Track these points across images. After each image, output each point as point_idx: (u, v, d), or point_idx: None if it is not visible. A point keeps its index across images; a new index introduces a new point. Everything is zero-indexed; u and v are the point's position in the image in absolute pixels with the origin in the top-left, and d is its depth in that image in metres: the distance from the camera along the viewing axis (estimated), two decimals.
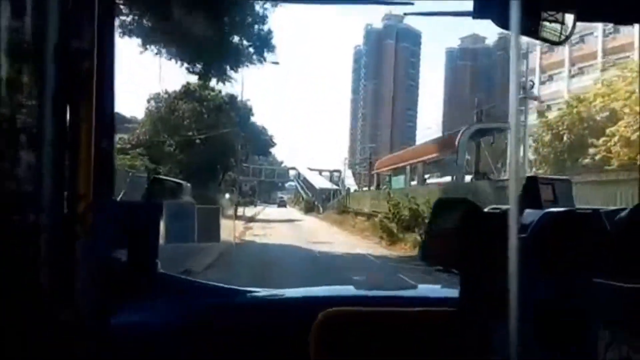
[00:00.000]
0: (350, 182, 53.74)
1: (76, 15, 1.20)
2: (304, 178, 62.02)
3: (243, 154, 43.61)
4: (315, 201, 51.72)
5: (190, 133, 35.76)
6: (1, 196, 1.31)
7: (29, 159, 1.33)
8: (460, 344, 1.40)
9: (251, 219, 32.48)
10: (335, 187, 54.09)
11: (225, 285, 1.61)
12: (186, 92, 37.24)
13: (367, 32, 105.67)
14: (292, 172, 68.89)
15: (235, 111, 40.66)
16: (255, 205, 49.98)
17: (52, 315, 1.17)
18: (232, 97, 40.57)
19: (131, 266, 1.33)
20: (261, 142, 46.67)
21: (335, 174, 60.24)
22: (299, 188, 63.47)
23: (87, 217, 1.34)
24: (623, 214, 1.17)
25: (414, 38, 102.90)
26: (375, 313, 1.47)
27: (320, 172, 60.64)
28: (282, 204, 63.28)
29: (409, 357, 1.43)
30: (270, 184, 66.23)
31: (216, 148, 36.79)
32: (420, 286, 2.09)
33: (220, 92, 38.61)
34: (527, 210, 1.30)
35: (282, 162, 70.56)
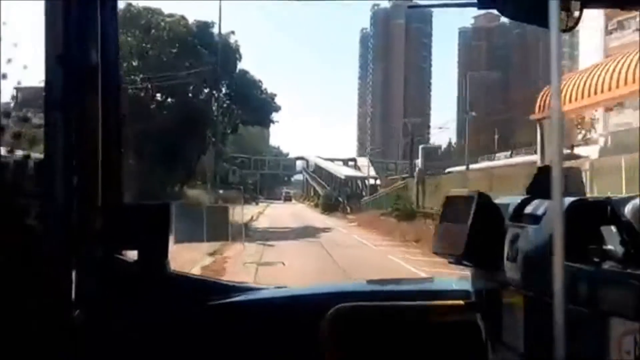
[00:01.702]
0: (368, 172, 45.46)
1: (80, 19, 1.28)
2: (317, 167, 54.17)
3: (227, 123, 30.24)
4: (339, 196, 41.06)
5: (134, 86, 22.89)
6: (11, 200, 1.40)
7: (37, 163, 1.42)
8: (473, 336, 1.48)
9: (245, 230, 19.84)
10: (365, 175, 44.66)
11: (237, 284, 1.69)
12: (126, 18, 23.48)
13: (374, 13, 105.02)
14: (299, 164, 62.47)
15: (209, 48, 25.97)
16: (257, 203, 43.23)
17: (61, 317, 1.25)
18: (203, 29, 26.77)
19: (141, 266, 1.42)
20: (255, 104, 30.40)
21: (350, 163, 54.01)
22: (309, 180, 56.00)
23: (96, 219, 1.43)
24: (636, 200, 1.21)
25: (426, 17, 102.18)
26: (386, 307, 1.56)
27: (332, 161, 53.38)
28: (287, 197, 58.31)
29: (421, 351, 1.51)
30: (274, 178, 61.47)
31: (181, 112, 24.43)
32: (432, 279, 2.16)
33: (182, 19, 26.09)
34: (538, 200, 1.36)
35: (287, 154, 65.93)
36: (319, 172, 53.22)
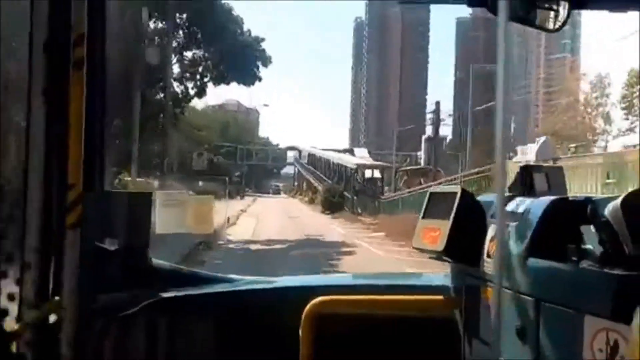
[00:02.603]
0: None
1: (67, 6, 1.31)
2: (313, 157, 47.05)
3: (188, 79, 20.44)
4: (345, 191, 33.49)
5: None
6: None
7: (18, 150, 1.44)
8: (451, 331, 1.55)
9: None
10: (383, 165, 38.28)
11: (218, 274, 1.75)
12: None
13: (369, 2, 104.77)
14: (290, 155, 58.27)
15: None
16: (242, 196, 38.53)
17: (42, 303, 1.29)
18: None
19: (122, 255, 1.46)
20: (233, 46, 20.68)
21: (346, 154, 45.55)
22: (303, 172, 49.99)
23: (77, 207, 1.46)
24: (615, 201, 1.27)
25: (423, 5, 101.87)
26: (364, 301, 1.61)
27: (327, 151, 46.49)
28: (276, 190, 56.32)
29: (398, 345, 1.57)
30: (262, 170, 57.49)
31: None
32: (411, 274, 2.23)
33: None
34: (520, 198, 1.42)
35: (277, 145, 61.24)
36: (316, 163, 46.16)
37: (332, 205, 31.40)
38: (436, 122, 38.41)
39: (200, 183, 27.14)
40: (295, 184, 56.61)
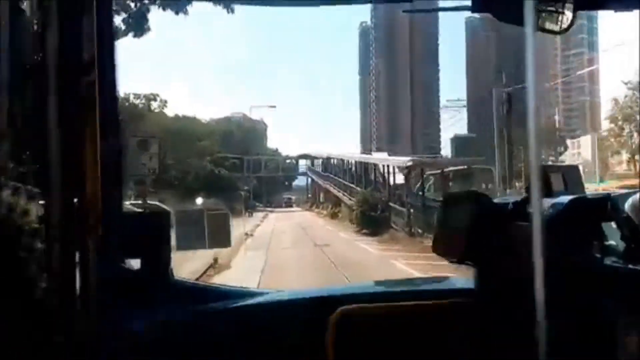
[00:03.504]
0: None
1: (77, 24, 1.37)
2: (331, 164, 41.60)
3: None
4: (391, 201, 25.32)
5: None
6: (11, 207, 1.49)
7: (37, 170, 1.50)
8: (478, 335, 1.58)
9: None
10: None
11: (239, 288, 1.80)
12: None
13: (375, 6, 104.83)
14: (302, 164, 55.41)
15: None
16: (251, 213, 34.22)
17: (64, 323, 1.34)
18: None
19: (144, 273, 1.52)
20: None
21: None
22: (320, 182, 44.16)
23: (97, 228, 1.52)
24: (635, 196, 1.30)
25: (431, 6, 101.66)
26: (390, 309, 1.66)
27: (340, 159, 40.50)
28: (288, 203, 54.12)
29: (425, 351, 1.61)
30: (273, 183, 54.76)
31: None
32: (434, 279, 2.26)
33: None
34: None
35: (287, 155, 58.72)
36: (334, 169, 39.94)
37: (374, 223, 23.14)
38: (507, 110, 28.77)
39: (199, 201, 25.70)
40: (309, 195, 53.66)
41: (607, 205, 1.33)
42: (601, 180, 39.07)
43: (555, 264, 1.35)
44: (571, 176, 1.50)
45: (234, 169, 42.97)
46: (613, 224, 1.33)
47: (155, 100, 34.73)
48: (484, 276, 1.61)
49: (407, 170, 26.50)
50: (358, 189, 30.06)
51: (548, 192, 1.50)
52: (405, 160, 28.71)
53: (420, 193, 25.12)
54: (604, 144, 43.47)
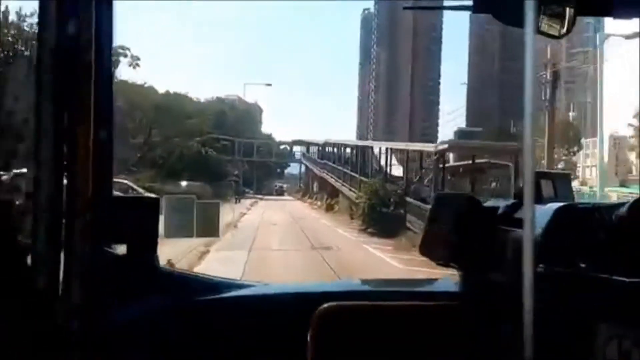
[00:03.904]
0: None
1: (74, 10, 1.38)
2: (327, 151, 39.42)
3: None
4: (407, 195, 22.17)
5: None
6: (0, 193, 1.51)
7: (26, 155, 1.51)
8: (460, 337, 1.61)
9: None
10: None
11: (225, 280, 1.82)
12: None
13: None
14: (297, 151, 52.84)
15: None
16: (238, 200, 31.67)
17: (50, 313, 1.35)
18: None
19: (131, 261, 1.54)
20: None
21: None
22: (315, 171, 41.46)
23: (86, 214, 1.53)
24: (623, 208, 1.33)
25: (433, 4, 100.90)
26: (373, 307, 1.68)
27: (342, 146, 37.64)
28: (280, 191, 52.82)
29: (407, 352, 1.64)
30: (264, 168, 52.40)
31: None
32: (420, 281, 2.29)
33: None
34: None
35: (280, 143, 56.13)
36: (334, 157, 36.20)
37: (384, 221, 19.88)
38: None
39: (184, 183, 23.78)
40: (301, 185, 52.24)
41: (596, 214, 1.35)
42: (622, 185, 36.90)
43: (543, 272, 1.38)
44: (561, 183, 1.52)
45: (224, 152, 41.12)
46: (601, 233, 1.35)
47: (125, 56, 29.44)
48: (470, 280, 1.64)
49: (438, 157, 22.49)
50: (363, 179, 26.04)
51: (538, 198, 1.53)
52: (435, 145, 24.76)
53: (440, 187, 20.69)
54: (625, 144, 42.22)
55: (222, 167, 36.88)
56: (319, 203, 33.03)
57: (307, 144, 49.58)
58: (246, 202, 30.95)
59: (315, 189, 40.10)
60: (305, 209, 31.89)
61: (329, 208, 28.73)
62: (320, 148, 43.13)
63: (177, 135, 34.29)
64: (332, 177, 33.48)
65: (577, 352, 1.31)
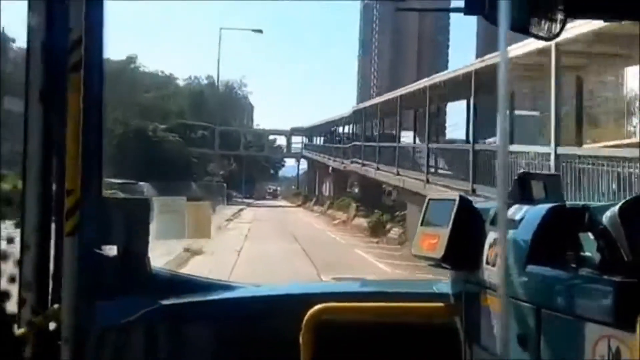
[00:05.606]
0: None
1: (65, 10, 1.45)
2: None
3: None
4: None
5: None
6: None
7: (16, 155, 1.58)
8: (452, 337, 1.70)
9: None
10: None
11: (218, 281, 1.90)
12: None
13: None
14: (296, 142, 45.15)
15: None
16: (215, 208, 21.28)
17: (40, 310, 1.42)
18: None
19: (121, 261, 1.62)
20: None
21: None
22: (331, 163, 33.93)
23: (76, 213, 1.60)
24: (613, 208, 1.40)
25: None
26: (365, 308, 1.77)
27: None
28: (273, 194, 48.27)
29: (399, 352, 1.73)
30: (255, 168, 44.45)
31: None
32: (412, 282, 2.37)
33: None
34: (517, 206, 1.58)
35: (272, 131, 47.70)
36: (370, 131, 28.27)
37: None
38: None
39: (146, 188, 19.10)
40: (294, 187, 45.35)
41: (585, 216, 1.42)
42: None
43: (533, 272, 1.46)
44: (552, 184, 1.61)
45: (202, 143, 32.12)
46: (590, 235, 1.41)
47: None
48: (460, 280, 1.73)
49: None
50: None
51: (529, 199, 1.61)
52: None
53: None
54: None
55: (197, 162, 29.07)
56: (328, 211, 22.62)
57: (308, 132, 40.74)
58: (226, 211, 23.15)
59: (326, 191, 30.90)
60: (317, 225, 22.60)
61: (375, 229, 18.54)
62: (334, 129, 31.74)
63: (131, 119, 25.32)
64: (370, 169, 22.86)
65: (567, 352, 1.38)
